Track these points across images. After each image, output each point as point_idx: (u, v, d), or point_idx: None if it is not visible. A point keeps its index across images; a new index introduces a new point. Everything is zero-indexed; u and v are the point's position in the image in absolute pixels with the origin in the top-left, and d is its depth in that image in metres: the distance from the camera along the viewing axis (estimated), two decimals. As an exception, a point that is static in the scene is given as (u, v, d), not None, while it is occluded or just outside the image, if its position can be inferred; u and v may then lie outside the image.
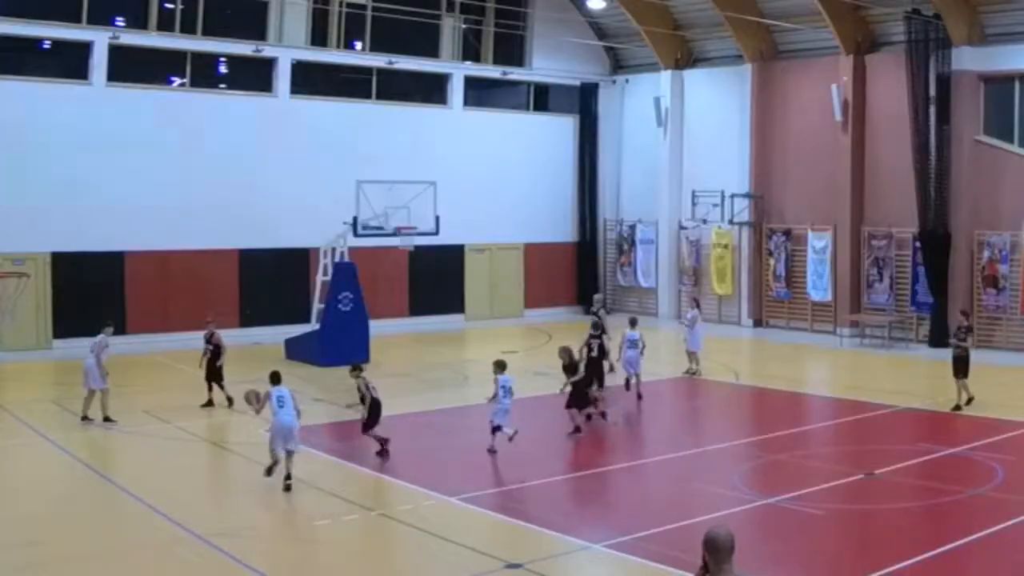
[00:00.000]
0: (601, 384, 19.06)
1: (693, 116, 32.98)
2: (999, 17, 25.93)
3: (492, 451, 15.99)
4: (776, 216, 30.78)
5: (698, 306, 23.73)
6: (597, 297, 24.49)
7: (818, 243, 29.48)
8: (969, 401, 18.94)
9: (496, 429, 16.03)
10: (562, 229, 34.93)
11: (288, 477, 13.88)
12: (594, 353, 19.07)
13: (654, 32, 32.39)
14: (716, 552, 6.23)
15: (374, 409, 15.92)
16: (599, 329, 19.54)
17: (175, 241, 27.38)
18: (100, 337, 18.41)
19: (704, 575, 6.26)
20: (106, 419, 18.04)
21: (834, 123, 28.64)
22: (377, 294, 27.96)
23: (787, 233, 30.37)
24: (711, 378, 23.11)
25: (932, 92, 26.15)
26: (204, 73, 28.86)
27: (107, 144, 26.45)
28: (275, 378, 14.52)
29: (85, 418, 18.08)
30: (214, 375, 19.52)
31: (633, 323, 21.07)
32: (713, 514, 12.85)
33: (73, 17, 26.12)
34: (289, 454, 14.00)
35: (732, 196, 30.84)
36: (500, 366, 16.49)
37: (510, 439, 15.85)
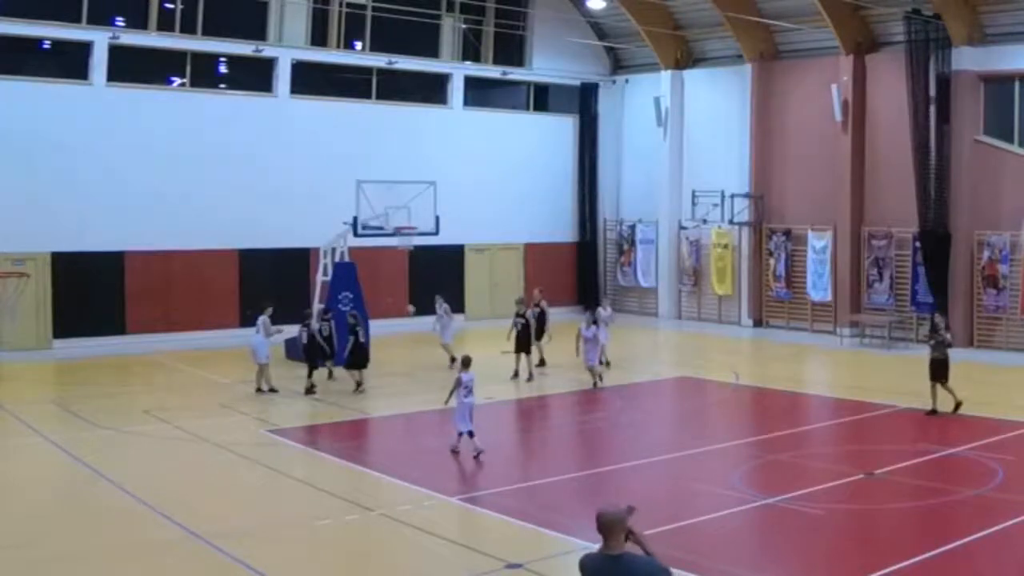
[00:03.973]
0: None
1: (693, 116, 32.97)
2: (999, 17, 25.92)
3: (455, 451, 15.98)
4: (776, 216, 30.77)
5: (596, 323, 21.79)
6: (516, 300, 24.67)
7: (818, 243, 29.47)
8: (957, 406, 18.22)
9: (464, 434, 15.83)
10: (562, 229, 34.91)
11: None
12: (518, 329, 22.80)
13: (654, 32, 32.39)
14: (605, 530, 6.55)
15: None
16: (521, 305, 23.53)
17: (175, 241, 27.36)
18: (263, 318, 20.92)
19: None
20: (271, 390, 20.56)
21: (834, 123, 28.63)
22: (377, 294, 27.93)
23: (787, 233, 30.36)
24: (711, 378, 23.11)
25: (932, 92, 26.11)
26: (204, 73, 28.84)
27: (107, 144, 26.45)
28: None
29: (259, 390, 20.59)
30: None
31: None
32: (713, 514, 12.87)
33: (73, 17, 26.10)
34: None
35: (732, 196, 30.80)
36: (465, 363, 16.42)
37: (471, 454, 15.84)
